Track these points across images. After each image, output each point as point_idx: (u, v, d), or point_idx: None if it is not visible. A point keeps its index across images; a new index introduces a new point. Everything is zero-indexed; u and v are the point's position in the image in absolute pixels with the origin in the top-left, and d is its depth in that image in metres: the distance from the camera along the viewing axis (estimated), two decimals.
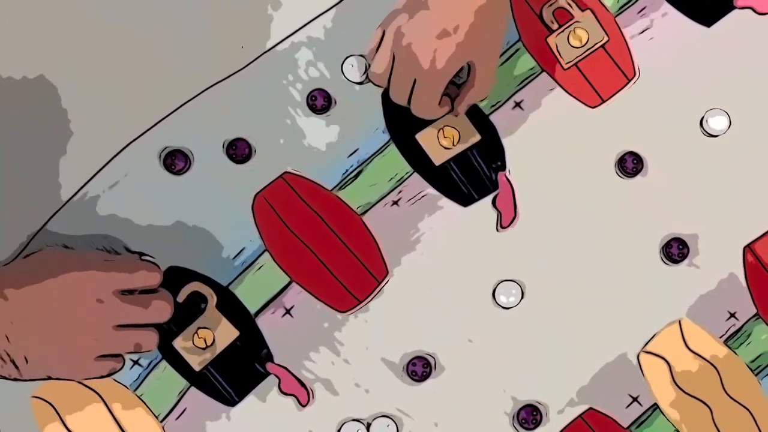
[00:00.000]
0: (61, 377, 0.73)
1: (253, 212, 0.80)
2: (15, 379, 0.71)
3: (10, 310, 0.69)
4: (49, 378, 0.72)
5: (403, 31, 0.74)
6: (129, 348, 0.73)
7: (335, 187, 0.81)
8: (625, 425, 0.79)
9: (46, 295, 0.70)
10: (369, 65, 0.79)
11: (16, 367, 0.70)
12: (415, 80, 0.75)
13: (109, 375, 0.74)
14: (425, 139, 0.81)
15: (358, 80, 0.81)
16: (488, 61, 0.77)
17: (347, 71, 0.81)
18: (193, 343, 0.78)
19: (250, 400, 0.78)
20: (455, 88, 0.79)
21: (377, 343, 0.79)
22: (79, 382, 0.77)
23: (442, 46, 0.73)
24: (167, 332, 0.78)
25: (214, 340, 0.78)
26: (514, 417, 0.79)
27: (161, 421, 0.78)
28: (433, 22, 0.73)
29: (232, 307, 0.79)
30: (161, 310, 0.74)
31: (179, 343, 0.78)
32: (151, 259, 0.78)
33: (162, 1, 0.82)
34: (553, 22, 0.82)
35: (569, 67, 0.82)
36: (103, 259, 0.74)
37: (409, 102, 0.77)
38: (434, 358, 0.79)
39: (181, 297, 0.78)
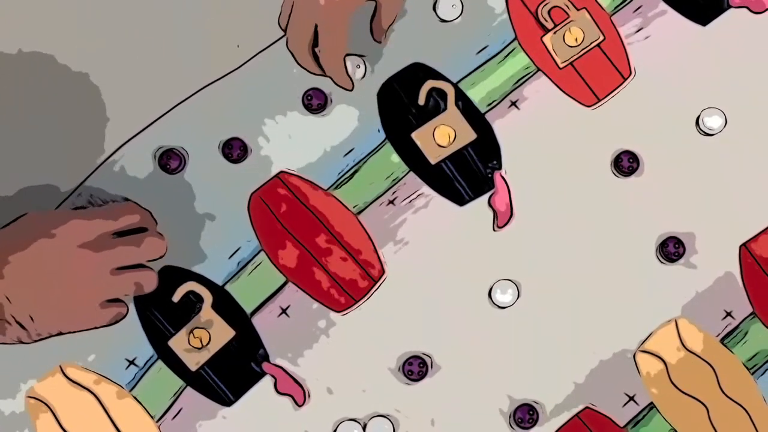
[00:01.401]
0: (68, 330, 0.73)
1: (248, 212, 0.80)
2: (24, 343, 0.72)
3: (10, 272, 0.70)
4: (60, 333, 0.73)
5: None
6: (130, 289, 0.73)
7: (331, 186, 0.80)
8: (622, 424, 0.79)
9: (37, 251, 0.71)
10: (361, 65, 0.79)
11: (23, 327, 0.71)
12: (317, 28, 0.73)
13: (116, 322, 0.74)
14: (421, 137, 0.81)
15: (356, 78, 0.80)
16: (394, 1, 0.75)
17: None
18: (189, 343, 0.78)
19: (247, 400, 0.78)
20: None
21: (373, 343, 0.79)
22: (74, 383, 0.77)
23: None
24: (163, 332, 0.78)
25: (210, 339, 0.78)
26: (510, 416, 0.79)
27: (157, 422, 0.78)
28: None
29: (227, 307, 0.79)
30: (154, 246, 0.74)
31: (175, 343, 0.78)
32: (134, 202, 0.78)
33: (157, 1, 0.82)
34: (548, 21, 0.82)
35: (565, 66, 0.82)
36: (87, 211, 0.75)
37: (316, 60, 0.76)
38: (430, 358, 0.79)
39: (177, 297, 0.78)
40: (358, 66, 0.76)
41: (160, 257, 0.75)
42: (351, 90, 0.78)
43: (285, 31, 0.77)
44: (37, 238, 0.71)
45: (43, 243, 0.71)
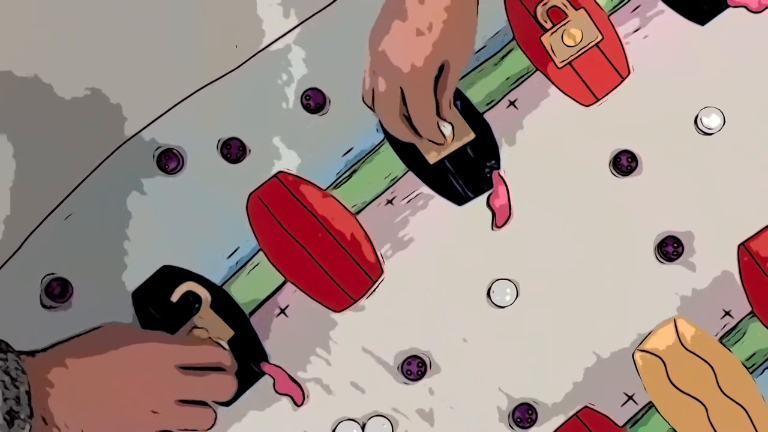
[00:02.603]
0: None
1: (247, 212, 0.80)
2: None
3: (70, 380, 0.68)
4: None
5: (378, 42, 0.73)
6: (186, 425, 0.72)
7: (330, 186, 0.80)
8: (621, 423, 0.79)
9: (106, 365, 0.69)
10: (447, 125, 0.79)
11: None
12: (403, 93, 0.74)
13: None
14: None
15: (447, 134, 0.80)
16: (463, 57, 0.75)
17: None
18: None
19: (245, 399, 0.78)
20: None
21: (372, 343, 0.79)
22: None
23: (417, 46, 0.71)
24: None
25: (208, 339, 0.78)
26: (509, 415, 0.79)
27: None
28: (405, 26, 0.71)
29: (226, 307, 0.79)
30: (224, 386, 0.73)
31: None
32: (221, 342, 0.77)
33: (156, 1, 0.82)
34: (547, 21, 0.83)
35: (563, 66, 0.82)
36: (165, 335, 0.74)
37: (409, 122, 0.76)
38: (429, 358, 0.79)
39: (175, 297, 0.78)
40: (445, 125, 0.77)
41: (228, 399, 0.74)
42: (443, 144, 0.79)
43: (372, 105, 0.77)
44: (110, 350, 0.70)
45: (114, 358, 0.69)
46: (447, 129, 0.77)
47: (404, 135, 0.77)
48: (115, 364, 0.70)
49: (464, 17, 0.73)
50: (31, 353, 0.68)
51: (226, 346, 0.76)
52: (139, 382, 0.70)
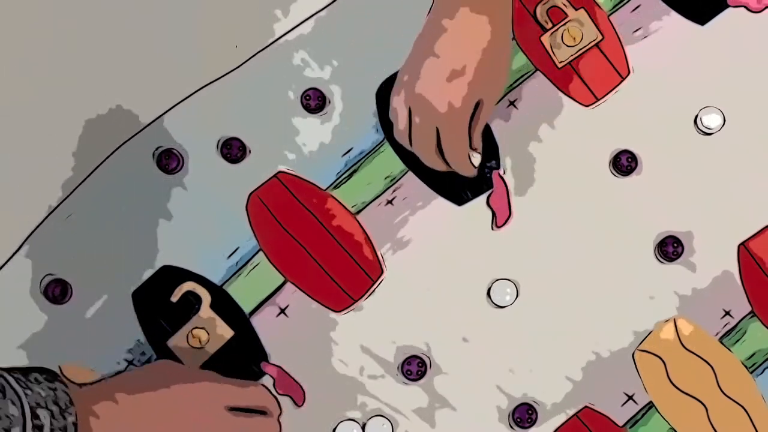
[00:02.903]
0: None
1: (247, 212, 0.80)
2: None
3: (119, 415, 0.69)
4: None
5: (413, 83, 0.73)
6: None
7: (330, 186, 0.80)
8: (621, 423, 0.79)
9: (156, 403, 0.70)
10: (476, 155, 0.79)
11: None
12: (438, 131, 0.75)
13: None
14: None
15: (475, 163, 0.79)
16: (497, 93, 0.77)
17: None
18: (188, 343, 0.78)
19: None
20: None
21: (372, 343, 0.79)
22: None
23: (454, 87, 0.72)
24: (162, 332, 0.78)
25: (208, 339, 0.78)
26: (509, 415, 0.79)
27: None
28: (440, 67, 0.72)
29: (226, 307, 0.79)
30: (269, 430, 0.75)
31: (174, 343, 0.78)
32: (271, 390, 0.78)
33: (155, 2, 0.82)
34: (547, 21, 0.83)
35: (563, 66, 0.82)
36: (215, 375, 0.75)
37: (442, 156, 0.77)
38: (429, 357, 0.79)
39: (175, 297, 0.78)
40: (474, 156, 0.78)
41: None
42: (472, 176, 0.79)
43: (408, 142, 0.77)
44: (161, 388, 0.71)
45: (163, 396, 0.70)
46: (476, 159, 0.78)
47: (440, 167, 0.78)
48: (166, 403, 0.70)
49: (499, 57, 0.74)
50: (79, 385, 0.69)
51: (272, 391, 0.78)
52: (188, 421, 0.71)
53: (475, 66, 0.72)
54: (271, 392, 0.77)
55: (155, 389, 0.70)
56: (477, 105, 0.75)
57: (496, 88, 0.76)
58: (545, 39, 0.82)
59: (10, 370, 0.64)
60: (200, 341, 0.78)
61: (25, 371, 0.65)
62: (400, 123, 0.76)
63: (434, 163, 0.78)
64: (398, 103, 0.75)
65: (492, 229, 0.81)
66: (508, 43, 0.75)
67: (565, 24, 0.82)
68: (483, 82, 0.73)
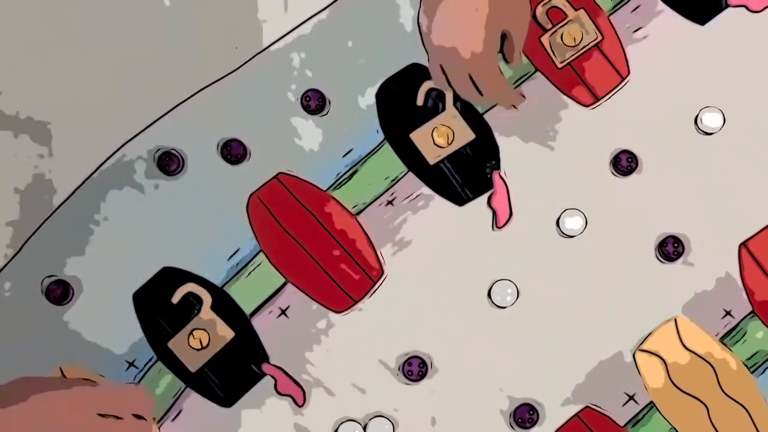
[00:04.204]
0: None
1: (247, 213, 0.80)
2: None
3: None
4: None
5: (432, 36, 0.73)
6: None
7: (330, 187, 0.81)
8: (622, 423, 0.79)
9: (24, 413, 0.66)
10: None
11: None
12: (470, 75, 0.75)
13: None
14: (419, 138, 0.81)
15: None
16: (523, 21, 0.76)
17: None
18: (189, 345, 0.78)
19: (246, 401, 0.78)
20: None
21: (373, 343, 0.79)
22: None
23: (471, 29, 0.72)
24: (162, 334, 0.78)
25: (209, 341, 0.78)
26: (510, 416, 0.79)
27: (158, 423, 0.78)
28: (452, 12, 0.72)
29: (227, 308, 0.79)
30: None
31: (174, 345, 0.78)
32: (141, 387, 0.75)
33: (156, 3, 0.82)
34: (547, 21, 0.82)
35: (563, 66, 0.82)
36: (85, 383, 0.70)
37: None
38: (430, 358, 0.79)
39: (176, 298, 0.78)
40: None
41: None
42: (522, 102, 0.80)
43: (449, 85, 0.78)
44: (20, 402, 0.66)
45: (29, 408, 0.66)
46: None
47: (498, 103, 0.80)
48: (36, 413, 0.66)
49: None
50: None
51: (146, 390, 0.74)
52: (57, 429, 0.67)
53: (488, 2, 0.71)
54: (148, 395, 0.71)
55: (25, 399, 0.66)
56: (505, 37, 0.75)
57: (520, 16, 0.76)
58: (545, 39, 0.82)
59: None
60: (201, 343, 0.78)
61: None
62: (436, 78, 0.77)
63: (488, 103, 0.79)
64: (430, 66, 0.77)
65: (493, 229, 0.81)
66: None
67: (565, 24, 0.82)
68: (501, 16, 0.73)
